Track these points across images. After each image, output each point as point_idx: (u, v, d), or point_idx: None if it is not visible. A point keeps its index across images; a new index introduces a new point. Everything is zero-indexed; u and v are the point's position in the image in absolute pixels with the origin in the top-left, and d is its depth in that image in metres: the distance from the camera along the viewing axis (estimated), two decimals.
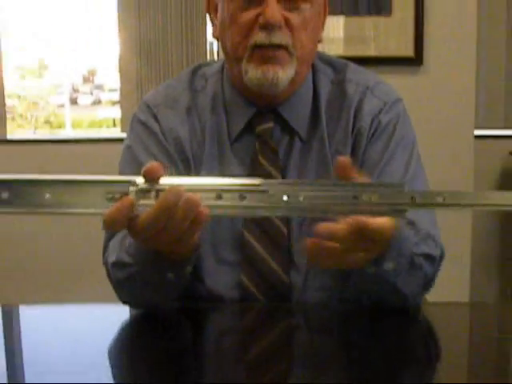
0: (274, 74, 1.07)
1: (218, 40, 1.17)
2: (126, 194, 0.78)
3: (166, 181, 0.79)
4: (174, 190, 0.78)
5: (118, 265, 1.02)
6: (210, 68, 1.21)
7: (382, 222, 0.83)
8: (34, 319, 1.09)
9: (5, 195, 0.75)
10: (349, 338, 1.00)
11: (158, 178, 0.79)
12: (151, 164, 0.79)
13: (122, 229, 0.82)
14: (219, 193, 0.79)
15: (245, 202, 0.79)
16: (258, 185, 0.79)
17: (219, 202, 0.79)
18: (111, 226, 0.79)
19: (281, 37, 1.06)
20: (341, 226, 0.81)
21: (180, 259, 0.93)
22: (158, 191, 0.78)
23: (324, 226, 0.82)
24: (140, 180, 0.78)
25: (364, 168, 1.11)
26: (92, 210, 0.78)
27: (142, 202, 0.78)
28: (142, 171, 0.78)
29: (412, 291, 1.01)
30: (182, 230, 0.81)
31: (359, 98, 1.15)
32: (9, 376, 0.83)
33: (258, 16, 1.05)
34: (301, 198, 0.79)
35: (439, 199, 0.78)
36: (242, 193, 0.79)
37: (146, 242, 0.87)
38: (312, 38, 1.11)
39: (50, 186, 0.76)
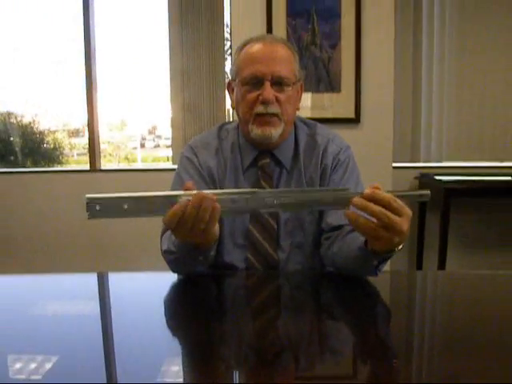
0: (269, 132, 1.08)
1: (233, 109, 1.18)
2: (176, 202, 0.79)
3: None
4: (199, 194, 0.79)
5: (168, 252, 1.01)
6: (230, 125, 1.22)
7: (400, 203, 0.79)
8: (119, 282, 1.10)
9: (97, 207, 0.75)
10: (315, 291, 1.01)
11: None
12: (187, 183, 0.81)
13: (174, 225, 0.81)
14: (233, 199, 0.81)
15: (248, 204, 0.80)
16: (256, 192, 0.81)
17: (233, 205, 0.80)
18: (169, 224, 0.80)
19: (273, 108, 1.06)
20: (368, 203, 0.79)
21: (205, 248, 0.93)
22: None
23: (357, 199, 0.79)
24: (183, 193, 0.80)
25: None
26: (155, 214, 0.78)
27: None
28: (183, 188, 0.80)
29: (383, 268, 0.93)
30: (206, 219, 0.80)
31: (324, 146, 1.15)
32: (102, 319, 0.84)
33: (258, 95, 1.06)
34: (284, 200, 0.81)
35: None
36: (246, 198, 0.81)
37: (185, 237, 0.86)
38: (293, 108, 1.12)
39: (127, 200, 0.77)
